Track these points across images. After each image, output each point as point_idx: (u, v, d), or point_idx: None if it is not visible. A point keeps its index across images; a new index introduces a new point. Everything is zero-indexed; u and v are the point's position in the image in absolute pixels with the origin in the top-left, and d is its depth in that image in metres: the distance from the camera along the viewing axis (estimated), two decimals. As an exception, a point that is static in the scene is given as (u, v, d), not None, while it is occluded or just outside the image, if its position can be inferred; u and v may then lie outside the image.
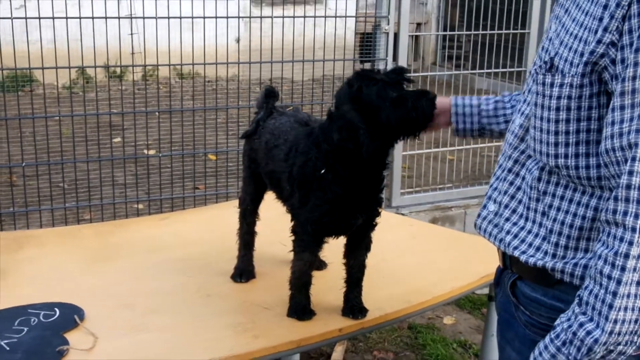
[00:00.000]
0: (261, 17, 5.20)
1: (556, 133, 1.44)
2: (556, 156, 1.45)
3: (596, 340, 1.29)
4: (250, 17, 5.44)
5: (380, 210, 2.19)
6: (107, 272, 2.44)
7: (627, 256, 1.26)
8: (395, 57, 4.54)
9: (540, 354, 1.39)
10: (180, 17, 4.41)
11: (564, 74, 1.41)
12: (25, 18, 3.97)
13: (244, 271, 2.40)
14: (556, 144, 1.44)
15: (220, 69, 4.81)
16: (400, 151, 4.62)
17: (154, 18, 4.39)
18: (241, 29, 6.42)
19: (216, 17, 4.45)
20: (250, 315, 2.19)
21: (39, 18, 4.05)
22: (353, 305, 2.18)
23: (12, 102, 5.26)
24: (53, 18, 3.99)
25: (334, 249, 2.22)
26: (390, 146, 2.02)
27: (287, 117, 2.24)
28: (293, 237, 2.15)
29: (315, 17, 4.71)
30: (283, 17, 4.96)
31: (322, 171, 2.00)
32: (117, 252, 2.60)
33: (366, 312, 2.19)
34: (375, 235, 2.25)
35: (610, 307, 1.28)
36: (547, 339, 1.39)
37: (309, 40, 4.95)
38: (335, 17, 4.82)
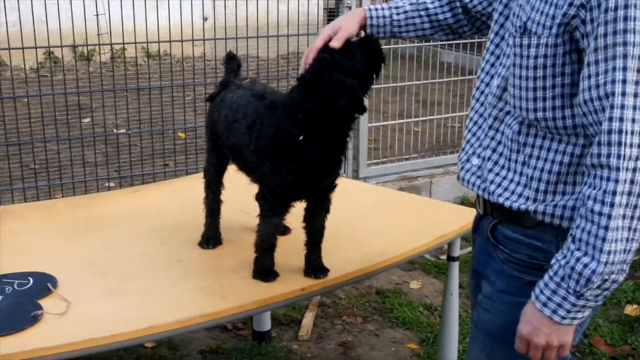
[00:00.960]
0: None
1: (534, 89, 1.62)
2: (535, 110, 1.63)
3: (594, 271, 1.46)
4: None
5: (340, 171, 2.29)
6: (81, 243, 2.52)
7: (614, 193, 1.44)
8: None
9: (541, 291, 1.56)
10: None
11: (538, 35, 1.58)
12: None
13: (210, 238, 2.50)
14: (535, 99, 1.62)
15: (189, 47, 4.86)
16: (366, 123, 4.72)
17: None
18: (208, 7, 6.46)
19: None
20: (217, 279, 2.29)
21: (4, -1, 4.08)
22: (314, 266, 2.29)
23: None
24: (18, -1, 4.02)
25: (295, 215, 2.32)
26: (368, 90, 2.17)
27: (243, 90, 2.33)
28: (262, 203, 2.26)
29: None
30: None
31: (301, 138, 2.11)
32: (91, 223, 2.67)
33: (327, 271, 2.29)
34: (340, 201, 2.37)
35: (604, 240, 1.45)
36: (545, 277, 1.55)
37: (274, 17, 5.02)
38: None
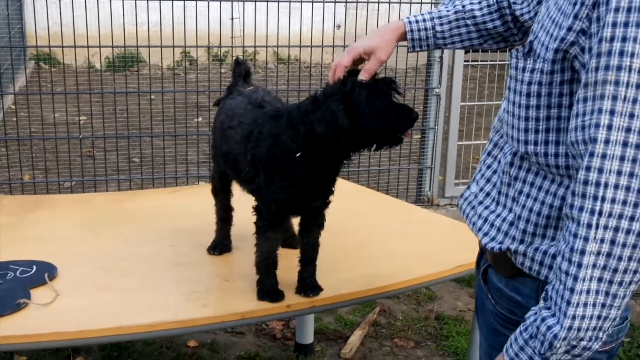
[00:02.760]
0: (357, 2, 5.22)
1: (526, 119, 1.43)
2: (526, 142, 1.44)
3: (555, 336, 1.28)
4: (346, 2, 5.45)
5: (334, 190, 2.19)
6: (98, 237, 2.59)
7: (583, 252, 1.25)
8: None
9: (511, 345, 1.39)
10: (289, 1, 4.52)
11: (536, 59, 1.40)
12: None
13: (218, 244, 2.48)
14: (526, 130, 1.43)
15: (323, 54, 4.90)
16: (455, 140, 4.53)
17: (263, 1, 4.54)
18: (343, 16, 6.50)
19: (320, 2, 4.54)
20: (208, 286, 2.27)
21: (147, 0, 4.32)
22: (306, 284, 2.20)
23: (117, 80, 5.63)
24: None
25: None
26: (358, 150, 2.05)
27: (242, 97, 2.29)
28: (256, 217, 2.19)
29: (421, 3, 4.67)
30: (378, 2, 4.97)
31: (298, 154, 2.03)
32: (117, 219, 2.75)
33: (319, 290, 2.20)
34: (364, 218, 2.25)
35: (568, 303, 1.27)
36: (517, 330, 1.39)
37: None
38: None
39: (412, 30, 1.88)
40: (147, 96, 5.41)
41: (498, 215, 1.53)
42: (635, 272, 1.24)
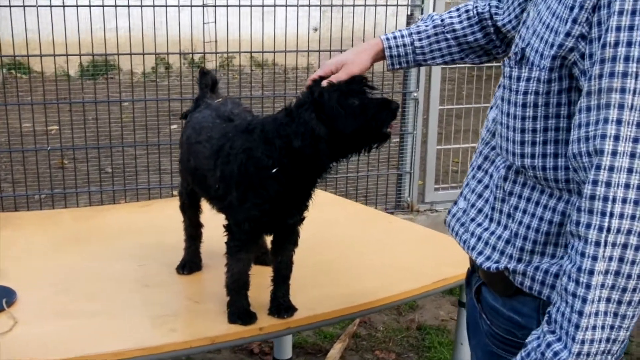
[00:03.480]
0: (332, 6, 5.14)
1: (522, 131, 1.36)
2: (522, 155, 1.37)
3: None
4: (320, 6, 5.36)
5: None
6: (63, 257, 2.47)
7: (591, 273, 1.17)
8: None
9: None
10: (262, 5, 4.41)
11: (532, 67, 1.32)
12: (103, 6, 4.12)
13: (187, 263, 2.37)
14: (522, 143, 1.36)
15: (299, 58, 4.79)
16: (434, 144, 4.45)
17: (236, 6, 4.43)
18: (318, 19, 6.40)
19: (294, 6, 4.45)
20: (176, 308, 2.16)
21: (115, 6, 4.19)
22: (280, 304, 2.10)
23: (89, 88, 5.47)
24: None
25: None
26: (345, 156, 1.95)
27: (210, 110, 2.18)
28: (227, 237, 2.08)
29: (397, 5, 4.59)
30: (354, 5, 4.88)
31: (274, 170, 1.92)
32: (84, 237, 2.63)
33: (294, 311, 2.10)
34: (347, 230, 2.24)
35: (577, 327, 1.19)
36: (519, 356, 1.30)
37: (382, 30, 4.83)
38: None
39: (390, 47, 1.82)
40: (119, 104, 5.28)
41: (492, 233, 1.46)
42: None
